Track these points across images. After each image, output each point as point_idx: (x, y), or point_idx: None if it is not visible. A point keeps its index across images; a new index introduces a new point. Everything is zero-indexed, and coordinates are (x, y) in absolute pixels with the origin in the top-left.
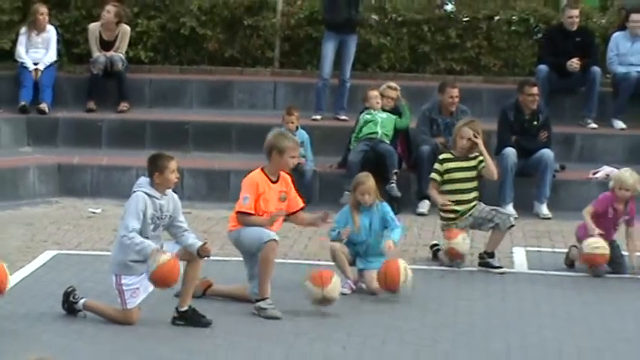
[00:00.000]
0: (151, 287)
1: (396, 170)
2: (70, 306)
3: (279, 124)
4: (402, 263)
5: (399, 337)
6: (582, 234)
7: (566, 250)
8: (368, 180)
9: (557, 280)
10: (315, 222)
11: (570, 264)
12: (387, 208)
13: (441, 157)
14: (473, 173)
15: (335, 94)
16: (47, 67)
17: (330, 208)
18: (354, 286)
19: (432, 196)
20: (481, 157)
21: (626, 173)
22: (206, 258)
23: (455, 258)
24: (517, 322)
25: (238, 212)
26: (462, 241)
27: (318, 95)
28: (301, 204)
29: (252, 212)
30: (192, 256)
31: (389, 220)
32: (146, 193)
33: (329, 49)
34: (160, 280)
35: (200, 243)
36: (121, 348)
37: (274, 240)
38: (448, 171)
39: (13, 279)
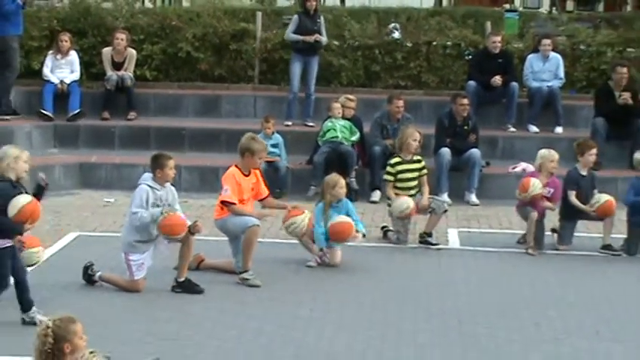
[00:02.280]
0: (151, 261)
1: (356, 167)
2: (88, 277)
3: (259, 129)
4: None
5: (356, 301)
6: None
7: (490, 231)
8: (340, 179)
9: (484, 255)
10: (280, 207)
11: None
12: (351, 205)
13: (392, 161)
14: (416, 173)
15: (303, 105)
16: (73, 83)
17: (299, 196)
18: (319, 261)
19: (389, 195)
20: (423, 164)
21: (550, 150)
22: (197, 234)
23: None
24: (451, 288)
25: (223, 202)
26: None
27: (289, 106)
28: (266, 193)
29: (235, 201)
30: (186, 235)
31: (352, 215)
32: (148, 186)
33: (296, 68)
34: (167, 227)
35: (190, 223)
36: (131, 311)
37: (257, 225)
38: (399, 172)
39: (43, 255)
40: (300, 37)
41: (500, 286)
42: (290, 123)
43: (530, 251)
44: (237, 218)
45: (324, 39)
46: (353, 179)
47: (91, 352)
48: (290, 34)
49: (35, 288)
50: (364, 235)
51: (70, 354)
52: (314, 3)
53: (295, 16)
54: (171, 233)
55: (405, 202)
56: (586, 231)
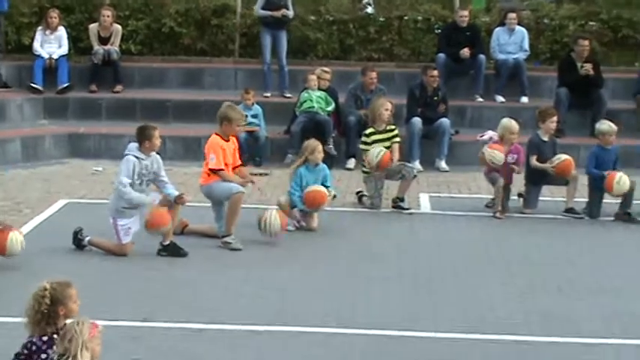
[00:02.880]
0: (138, 226)
1: (333, 135)
2: (78, 242)
3: (239, 101)
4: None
5: (333, 262)
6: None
7: (459, 196)
8: (318, 144)
9: (453, 218)
10: (245, 183)
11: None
12: (328, 170)
13: (367, 132)
14: (388, 142)
15: (279, 77)
16: (61, 57)
17: (277, 164)
18: (297, 225)
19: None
20: (396, 132)
21: (511, 121)
22: (182, 205)
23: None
24: (422, 249)
25: (211, 169)
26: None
27: (265, 77)
28: (239, 162)
29: (222, 167)
30: (172, 203)
31: (327, 181)
32: (135, 156)
33: (266, 41)
34: (150, 224)
35: (177, 193)
36: (119, 273)
37: (242, 192)
38: (374, 142)
39: (34, 222)
40: (269, 13)
41: (468, 248)
42: (269, 94)
43: (497, 215)
44: (222, 184)
45: (290, 13)
46: (331, 146)
47: (78, 323)
48: (259, 10)
49: (26, 253)
50: (335, 196)
51: (64, 317)
52: None
53: None
54: (154, 226)
55: (378, 149)
56: (550, 195)
